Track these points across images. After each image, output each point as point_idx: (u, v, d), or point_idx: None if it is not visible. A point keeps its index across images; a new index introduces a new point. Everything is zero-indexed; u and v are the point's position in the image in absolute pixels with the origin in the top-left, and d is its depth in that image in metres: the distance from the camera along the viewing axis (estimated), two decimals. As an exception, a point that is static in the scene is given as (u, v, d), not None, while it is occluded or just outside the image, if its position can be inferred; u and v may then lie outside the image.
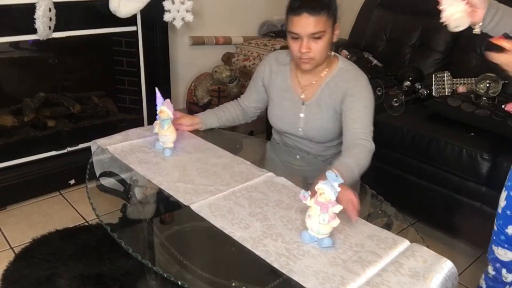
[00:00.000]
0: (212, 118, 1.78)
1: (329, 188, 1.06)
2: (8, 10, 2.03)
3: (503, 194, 1.33)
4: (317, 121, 1.63)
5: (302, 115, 1.65)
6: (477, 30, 1.33)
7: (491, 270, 1.42)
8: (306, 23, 1.42)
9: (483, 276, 1.48)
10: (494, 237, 1.37)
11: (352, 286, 1.00)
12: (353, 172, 1.39)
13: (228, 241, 1.15)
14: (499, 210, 1.34)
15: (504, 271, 1.37)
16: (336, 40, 1.53)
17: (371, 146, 1.51)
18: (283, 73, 1.68)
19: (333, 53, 1.61)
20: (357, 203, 1.19)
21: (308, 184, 1.52)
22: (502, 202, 1.33)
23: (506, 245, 1.33)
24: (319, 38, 1.45)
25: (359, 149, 1.48)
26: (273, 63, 1.71)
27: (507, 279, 1.37)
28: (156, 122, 1.59)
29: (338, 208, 1.08)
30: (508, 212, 1.30)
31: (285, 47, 1.72)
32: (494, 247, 1.38)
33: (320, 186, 1.07)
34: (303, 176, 1.64)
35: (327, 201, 1.08)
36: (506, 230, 1.31)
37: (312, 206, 1.10)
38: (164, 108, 1.53)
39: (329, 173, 1.09)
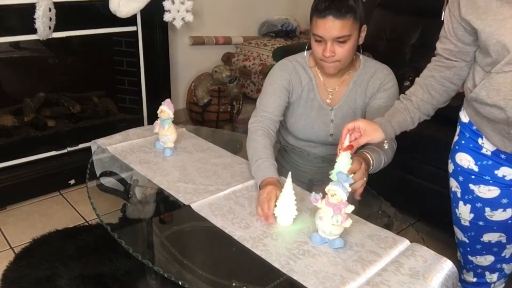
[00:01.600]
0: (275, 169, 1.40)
1: (340, 189, 1.06)
2: (8, 10, 2.03)
3: (465, 207, 1.29)
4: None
5: (331, 120, 1.59)
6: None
7: (471, 277, 1.39)
8: (331, 27, 1.35)
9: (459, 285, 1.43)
10: (468, 249, 1.34)
11: (352, 285, 1.00)
12: (379, 157, 1.43)
13: (228, 240, 1.15)
14: (466, 224, 1.31)
15: (487, 273, 1.35)
16: (363, 41, 1.48)
17: (393, 143, 1.53)
18: (309, 80, 1.58)
19: (356, 53, 1.55)
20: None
21: (314, 185, 1.52)
22: (468, 216, 1.29)
23: (484, 252, 1.30)
24: (344, 42, 1.39)
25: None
26: (298, 69, 1.57)
27: (492, 279, 1.36)
28: (157, 122, 1.59)
29: (350, 208, 1.09)
30: (481, 223, 1.25)
31: (285, 47, 1.71)
32: (471, 258, 1.35)
33: (331, 187, 1.07)
34: (308, 178, 1.63)
35: (339, 202, 1.08)
36: (482, 239, 1.28)
37: (323, 208, 1.10)
38: (165, 108, 1.53)
39: (340, 174, 1.09)
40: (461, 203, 1.30)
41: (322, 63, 1.47)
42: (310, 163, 1.68)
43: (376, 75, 1.55)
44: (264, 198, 1.23)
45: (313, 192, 1.12)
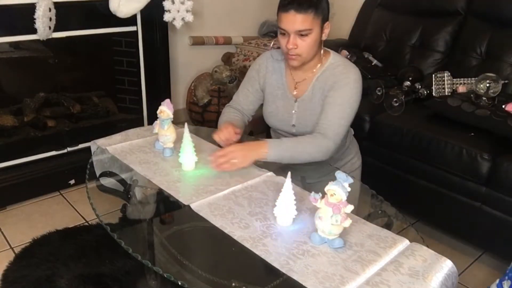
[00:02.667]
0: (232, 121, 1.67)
1: (340, 188, 1.06)
2: (8, 10, 2.03)
3: None
4: (309, 117, 1.63)
5: (294, 111, 1.65)
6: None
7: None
8: (293, 20, 1.44)
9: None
10: None
11: (352, 285, 1.00)
12: (285, 153, 1.49)
13: (228, 240, 1.15)
14: None
15: None
16: (326, 38, 1.54)
17: (325, 142, 1.50)
18: (278, 71, 1.68)
19: (324, 49, 1.60)
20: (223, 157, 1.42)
21: (306, 183, 1.52)
22: None
23: None
24: (305, 35, 1.46)
25: (310, 139, 1.52)
26: (269, 62, 1.71)
27: None
28: (156, 122, 1.59)
29: (350, 208, 1.09)
30: None
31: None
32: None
33: (330, 187, 1.07)
34: (301, 176, 1.64)
35: (338, 201, 1.08)
36: None
37: (322, 208, 1.10)
38: (164, 108, 1.53)
39: (339, 174, 1.09)
40: None
41: (286, 56, 1.54)
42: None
43: (335, 71, 1.56)
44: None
45: (313, 192, 1.12)
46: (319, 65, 1.60)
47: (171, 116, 1.54)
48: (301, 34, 1.46)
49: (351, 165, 1.77)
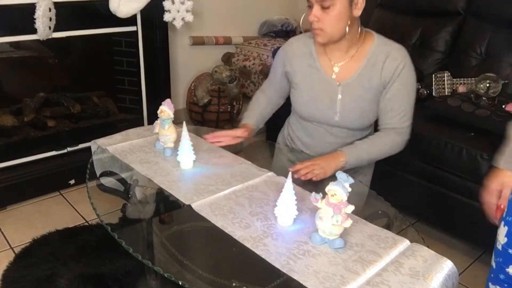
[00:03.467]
0: (258, 117, 1.72)
1: (340, 188, 1.06)
2: (8, 10, 2.03)
3: (503, 229, 1.16)
4: (357, 103, 1.52)
5: (339, 97, 1.53)
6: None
7: None
8: None
9: None
10: (492, 275, 1.22)
11: (352, 285, 1.00)
12: (361, 157, 1.50)
13: (228, 240, 1.15)
14: (498, 247, 1.18)
15: None
16: (359, 14, 1.44)
17: (400, 138, 1.53)
18: (309, 54, 1.57)
19: (365, 30, 1.52)
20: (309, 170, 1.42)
21: (307, 184, 1.52)
22: (502, 239, 1.16)
23: (506, 285, 1.19)
24: (328, 7, 1.38)
25: (385, 138, 1.52)
26: (295, 45, 1.61)
27: None
28: (157, 122, 1.59)
29: (350, 208, 1.09)
30: (510, 251, 1.14)
31: None
32: (491, 285, 1.24)
33: (331, 187, 1.07)
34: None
35: (339, 202, 1.08)
36: (507, 270, 1.16)
37: (323, 208, 1.10)
38: (165, 108, 1.53)
39: (339, 174, 1.09)
40: (502, 222, 1.18)
41: (312, 32, 1.48)
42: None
43: (393, 55, 1.49)
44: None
45: (313, 192, 1.12)
46: (361, 45, 1.51)
47: (172, 116, 1.54)
48: (323, 6, 1.38)
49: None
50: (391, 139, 1.52)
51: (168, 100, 1.54)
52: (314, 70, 1.57)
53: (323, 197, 1.11)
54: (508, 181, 1.17)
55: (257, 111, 1.73)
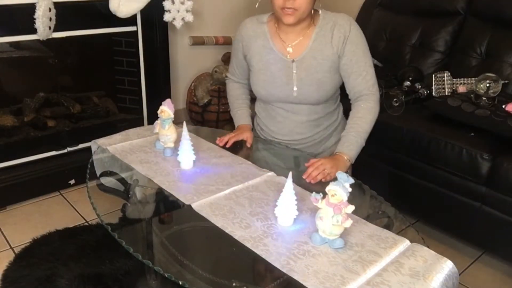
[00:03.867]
0: (249, 114, 1.81)
1: (340, 189, 1.06)
2: (8, 10, 2.03)
3: None
4: (313, 76, 1.58)
5: (294, 72, 1.59)
6: None
7: None
8: None
9: None
10: None
11: (353, 285, 1.00)
12: (357, 144, 1.55)
13: (228, 240, 1.15)
14: None
15: None
16: None
17: (374, 99, 1.59)
18: (262, 35, 1.64)
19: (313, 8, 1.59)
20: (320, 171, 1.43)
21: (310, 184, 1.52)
22: None
23: None
24: None
25: (360, 112, 1.58)
26: (249, 27, 1.66)
27: None
28: (157, 122, 1.59)
29: (351, 208, 1.09)
30: None
31: None
32: None
33: (331, 187, 1.07)
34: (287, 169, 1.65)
35: (339, 202, 1.08)
36: None
37: (323, 208, 1.10)
38: (165, 108, 1.53)
39: (340, 174, 1.09)
40: None
41: (282, 13, 1.50)
42: (286, 157, 1.75)
43: (339, 23, 1.56)
44: (233, 132, 1.69)
45: (313, 192, 1.12)
46: (312, 25, 1.58)
47: (172, 116, 1.54)
48: None
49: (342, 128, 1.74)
50: (367, 109, 1.58)
51: (168, 100, 1.54)
52: (269, 50, 1.63)
53: (323, 197, 1.11)
54: None
55: (246, 108, 1.82)
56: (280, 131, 1.73)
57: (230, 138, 1.69)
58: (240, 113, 1.79)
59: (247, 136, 1.71)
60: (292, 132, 1.71)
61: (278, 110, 1.70)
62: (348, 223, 1.10)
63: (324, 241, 1.13)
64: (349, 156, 1.54)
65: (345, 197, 1.07)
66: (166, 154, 1.57)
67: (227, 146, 1.67)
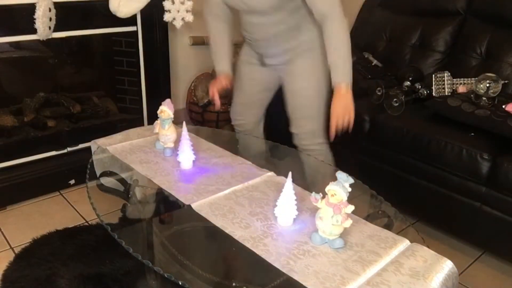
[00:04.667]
0: (228, 59, 1.87)
1: (340, 189, 1.06)
2: (8, 10, 2.02)
3: None
4: None
5: None
6: None
7: None
8: None
9: None
10: None
11: (352, 285, 1.00)
12: (342, 69, 1.58)
13: (228, 240, 1.15)
14: None
15: None
16: None
17: (339, 19, 1.60)
18: None
19: None
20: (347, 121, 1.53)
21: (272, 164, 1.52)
22: None
23: None
24: None
25: (334, 34, 1.59)
26: None
27: None
28: (157, 122, 1.59)
29: (350, 208, 1.09)
30: None
31: None
32: None
33: (331, 187, 1.07)
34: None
35: (339, 202, 1.08)
36: None
37: (323, 208, 1.10)
38: (165, 108, 1.53)
39: (339, 174, 1.09)
40: None
41: None
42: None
43: None
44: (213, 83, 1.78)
45: (313, 192, 1.12)
46: None
47: (172, 116, 1.54)
48: None
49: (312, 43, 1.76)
50: (336, 30, 1.59)
51: (168, 100, 1.54)
52: None
53: (323, 197, 1.11)
54: None
55: (227, 52, 1.89)
56: (257, 40, 1.79)
57: (213, 94, 1.80)
58: (218, 55, 1.90)
59: (223, 84, 1.80)
60: (270, 45, 1.76)
61: (248, 20, 1.75)
62: (348, 223, 1.10)
63: (324, 241, 1.13)
64: (346, 82, 1.57)
65: (345, 197, 1.07)
66: (166, 154, 1.57)
67: (216, 102, 1.79)
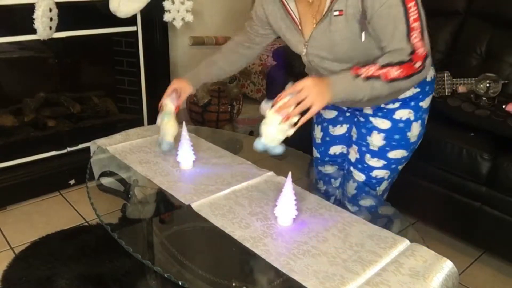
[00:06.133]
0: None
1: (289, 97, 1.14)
2: (8, 10, 2.03)
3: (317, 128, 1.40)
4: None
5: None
6: None
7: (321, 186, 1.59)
8: None
9: None
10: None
11: (352, 285, 1.00)
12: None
13: (228, 240, 1.15)
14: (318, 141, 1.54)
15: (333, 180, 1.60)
16: None
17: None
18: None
19: None
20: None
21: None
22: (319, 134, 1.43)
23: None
24: None
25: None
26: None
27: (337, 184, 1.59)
28: (159, 115, 1.57)
29: (296, 118, 1.16)
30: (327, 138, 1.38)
31: (285, 47, 1.66)
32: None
33: (284, 97, 1.14)
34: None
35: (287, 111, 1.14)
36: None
37: (270, 116, 1.17)
38: (166, 101, 1.53)
39: (290, 83, 1.16)
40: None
41: None
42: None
43: None
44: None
45: (265, 99, 1.17)
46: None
47: (173, 109, 1.53)
48: None
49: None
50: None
51: (173, 95, 1.54)
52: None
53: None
54: None
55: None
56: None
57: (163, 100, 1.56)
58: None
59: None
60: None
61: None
62: (291, 131, 1.17)
63: (265, 147, 1.20)
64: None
65: (292, 107, 1.14)
66: (163, 147, 1.55)
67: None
